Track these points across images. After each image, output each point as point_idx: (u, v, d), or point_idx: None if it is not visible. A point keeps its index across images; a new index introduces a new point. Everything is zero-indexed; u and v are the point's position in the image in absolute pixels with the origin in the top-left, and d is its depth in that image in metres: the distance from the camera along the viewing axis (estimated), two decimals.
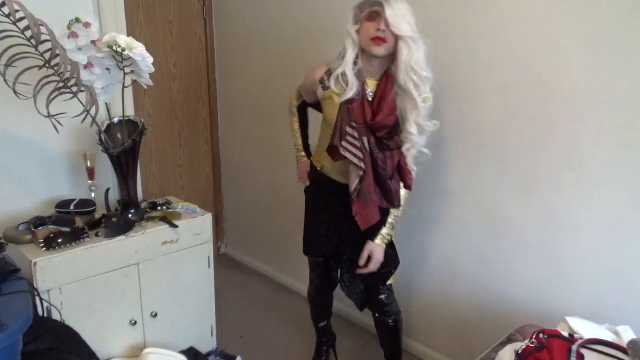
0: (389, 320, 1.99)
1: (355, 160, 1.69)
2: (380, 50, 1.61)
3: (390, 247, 1.89)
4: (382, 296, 1.95)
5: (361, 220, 1.75)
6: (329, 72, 1.75)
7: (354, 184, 1.72)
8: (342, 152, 1.69)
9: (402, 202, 1.80)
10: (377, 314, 2.01)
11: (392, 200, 1.76)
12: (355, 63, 1.68)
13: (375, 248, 1.81)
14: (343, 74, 1.69)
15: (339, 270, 2.06)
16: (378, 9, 1.57)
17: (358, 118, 1.68)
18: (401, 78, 1.63)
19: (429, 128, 1.71)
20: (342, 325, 2.59)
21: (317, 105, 1.92)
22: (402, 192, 1.80)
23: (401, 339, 2.07)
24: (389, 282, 1.95)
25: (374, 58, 1.66)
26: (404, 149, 1.73)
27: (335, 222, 1.91)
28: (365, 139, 1.69)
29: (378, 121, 1.68)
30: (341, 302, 2.68)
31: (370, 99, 1.71)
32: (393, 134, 1.72)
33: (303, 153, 2.06)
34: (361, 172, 1.70)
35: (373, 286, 1.93)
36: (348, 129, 1.69)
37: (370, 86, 1.72)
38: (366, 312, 2.15)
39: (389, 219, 1.82)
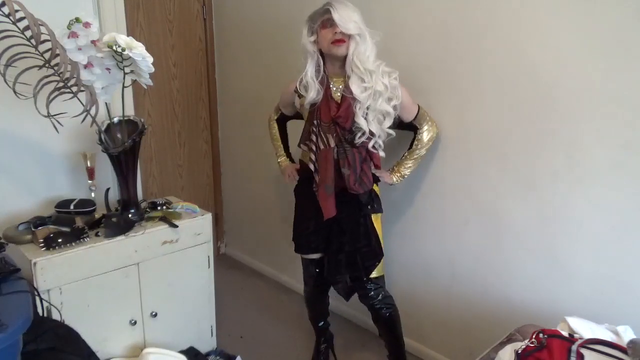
0: (384, 312, 2.06)
1: (311, 155, 1.91)
2: (342, 50, 1.78)
3: (375, 241, 1.97)
4: (371, 292, 2.03)
5: (325, 212, 1.91)
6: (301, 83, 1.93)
7: (315, 178, 1.92)
8: (304, 148, 1.95)
9: (425, 146, 1.99)
10: (371, 309, 2.08)
11: (364, 186, 1.89)
12: (317, 70, 1.85)
13: (386, 175, 2.01)
14: (303, 81, 1.89)
15: (328, 263, 2.08)
16: (328, 16, 1.75)
17: (324, 116, 1.85)
18: (348, 72, 1.80)
19: (374, 127, 1.83)
20: (340, 324, 2.60)
21: (298, 116, 2.12)
22: (425, 137, 1.98)
23: (400, 329, 2.12)
24: (374, 275, 2.01)
25: (337, 59, 1.82)
26: (369, 145, 1.87)
27: (321, 215, 1.96)
28: (330, 136, 1.85)
29: (340, 114, 1.82)
30: (340, 301, 2.68)
31: (338, 94, 1.85)
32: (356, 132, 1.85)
33: (284, 157, 2.24)
34: (313, 171, 1.91)
35: (357, 278, 2.01)
36: (309, 130, 1.90)
37: (339, 84, 1.86)
38: (364, 310, 2.15)
39: (410, 158, 2.00)
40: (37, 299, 1.65)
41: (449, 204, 2.13)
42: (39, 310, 1.68)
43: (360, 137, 1.84)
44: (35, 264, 1.67)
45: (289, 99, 2.04)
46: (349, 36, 1.74)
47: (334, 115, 1.83)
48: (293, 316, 2.72)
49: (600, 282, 1.74)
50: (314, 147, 1.89)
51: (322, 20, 1.77)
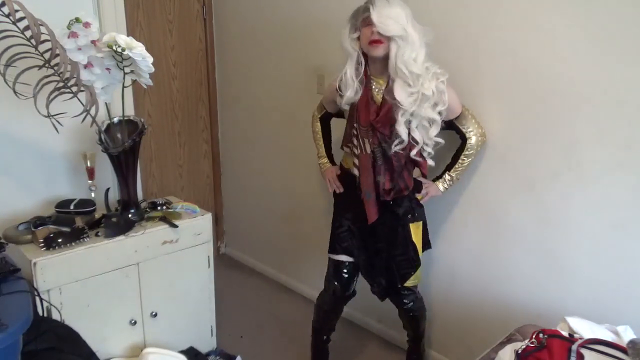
0: (411, 314, 2.07)
1: (354, 160, 1.84)
2: (379, 51, 1.69)
3: (412, 251, 1.92)
4: (406, 299, 2.02)
5: (368, 216, 1.85)
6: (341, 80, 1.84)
7: (357, 180, 1.87)
8: (346, 150, 1.89)
9: (474, 151, 1.88)
10: (399, 308, 2.07)
11: (399, 194, 1.83)
12: (358, 69, 1.76)
13: (432, 186, 1.93)
14: (343, 80, 1.81)
15: (362, 265, 2.03)
16: (367, 14, 1.66)
17: (363, 119, 1.77)
18: (392, 75, 1.71)
19: (418, 135, 1.75)
20: (344, 327, 2.59)
21: (342, 114, 2.03)
22: (473, 140, 1.87)
23: (423, 326, 2.13)
24: (410, 283, 1.97)
25: (378, 58, 1.73)
26: (412, 153, 1.78)
27: (359, 219, 1.93)
28: (366, 141, 1.78)
29: (378, 120, 1.74)
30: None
31: (380, 95, 1.77)
32: (395, 139, 1.76)
33: (326, 159, 2.14)
34: (357, 173, 1.85)
35: (393, 283, 1.98)
36: (351, 132, 1.83)
37: (382, 84, 1.78)
38: (364, 310, 2.15)
39: (456, 165, 1.90)
40: (37, 299, 1.65)
41: (449, 204, 2.13)
42: (39, 310, 1.68)
43: (397, 145, 1.75)
44: (35, 264, 1.67)
45: (332, 95, 1.95)
46: (389, 37, 1.65)
47: (373, 120, 1.75)
48: (293, 316, 2.72)
49: (600, 282, 1.74)
50: (356, 151, 1.82)
51: (363, 17, 1.68)
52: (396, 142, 1.75)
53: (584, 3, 1.62)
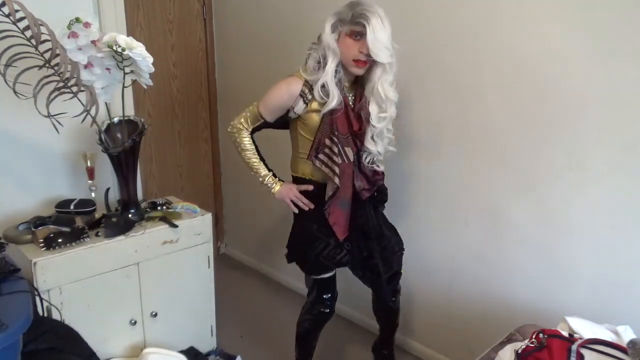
0: (396, 306, 2.08)
1: (331, 175, 1.74)
2: (361, 72, 1.69)
3: (394, 233, 1.97)
4: (397, 286, 2.04)
5: (338, 230, 1.80)
6: (308, 84, 1.71)
7: (328, 194, 1.78)
8: (319, 165, 1.74)
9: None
10: (384, 301, 2.05)
11: (379, 189, 1.90)
12: (336, 72, 1.68)
13: None
14: (324, 85, 1.68)
15: (360, 272, 2.00)
16: (362, 30, 1.58)
17: (342, 128, 1.73)
18: (367, 96, 1.72)
19: (380, 148, 1.79)
20: (344, 326, 2.60)
21: (277, 124, 1.86)
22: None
23: (399, 319, 2.14)
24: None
25: (351, 73, 1.72)
26: (375, 167, 1.84)
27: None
28: (349, 150, 1.75)
29: (362, 130, 1.76)
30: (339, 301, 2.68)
31: (352, 104, 1.76)
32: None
33: (271, 177, 1.88)
34: (335, 186, 1.76)
35: (395, 274, 1.98)
36: (327, 142, 1.72)
37: (351, 94, 1.78)
38: (363, 310, 2.14)
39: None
40: (37, 298, 1.65)
41: (450, 204, 2.13)
42: (39, 310, 1.68)
43: (366, 158, 1.80)
44: (35, 264, 1.67)
45: (286, 102, 1.74)
46: (375, 61, 1.63)
47: (357, 130, 1.75)
48: (293, 316, 2.72)
49: (600, 282, 1.75)
50: (338, 160, 1.71)
51: (353, 30, 1.60)
52: (364, 155, 1.80)
53: (586, 4, 1.61)
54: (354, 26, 1.60)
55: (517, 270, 1.96)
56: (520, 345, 1.45)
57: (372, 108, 1.71)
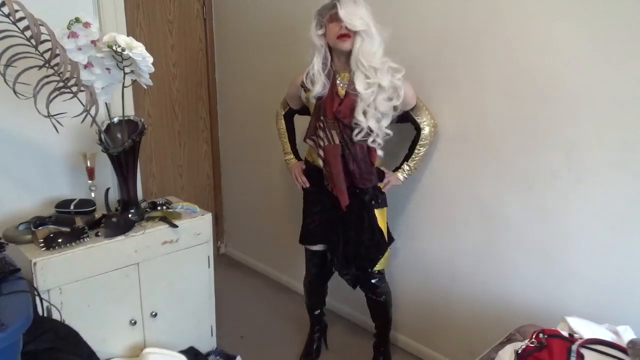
0: (380, 299, 2.16)
1: (319, 151, 1.93)
2: (347, 45, 1.81)
3: (379, 235, 2.01)
4: (374, 280, 2.11)
5: (342, 199, 1.94)
6: (307, 76, 1.95)
7: (324, 173, 1.97)
8: (310, 144, 1.98)
9: (428, 141, 2.01)
10: (369, 295, 2.16)
11: (369, 180, 1.93)
12: (324, 64, 1.87)
13: (393, 176, 2.03)
14: (310, 75, 1.91)
15: (331, 257, 2.14)
16: (335, 11, 1.78)
17: (328, 112, 1.88)
18: (353, 68, 1.83)
19: (372, 123, 1.84)
20: (331, 318, 2.60)
21: (304, 111, 2.12)
22: (427, 130, 1.99)
23: (391, 312, 2.23)
24: (378, 267, 2.07)
25: (343, 53, 1.85)
26: (369, 142, 1.89)
27: (327, 211, 2.05)
28: (334, 132, 1.88)
29: (340, 109, 1.85)
30: (338, 300, 2.68)
31: (342, 90, 1.88)
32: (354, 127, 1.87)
33: (292, 156, 2.22)
34: (322, 163, 1.94)
35: (364, 269, 2.06)
36: (316, 124, 1.92)
37: (345, 78, 1.88)
38: (362, 310, 2.15)
39: (413, 155, 2.02)
40: (37, 299, 1.65)
41: (449, 203, 2.13)
42: (39, 310, 1.68)
43: (358, 134, 1.86)
44: (35, 264, 1.67)
45: (296, 92, 2.06)
46: (355, 32, 1.77)
47: (335, 110, 1.85)
48: (293, 316, 2.72)
49: (600, 282, 1.74)
50: (321, 143, 1.91)
51: (330, 14, 1.80)
52: (356, 131, 1.86)
53: (586, 4, 1.61)
54: (330, 11, 1.80)
55: (517, 270, 1.96)
56: (520, 345, 1.45)
57: (357, 76, 1.81)
